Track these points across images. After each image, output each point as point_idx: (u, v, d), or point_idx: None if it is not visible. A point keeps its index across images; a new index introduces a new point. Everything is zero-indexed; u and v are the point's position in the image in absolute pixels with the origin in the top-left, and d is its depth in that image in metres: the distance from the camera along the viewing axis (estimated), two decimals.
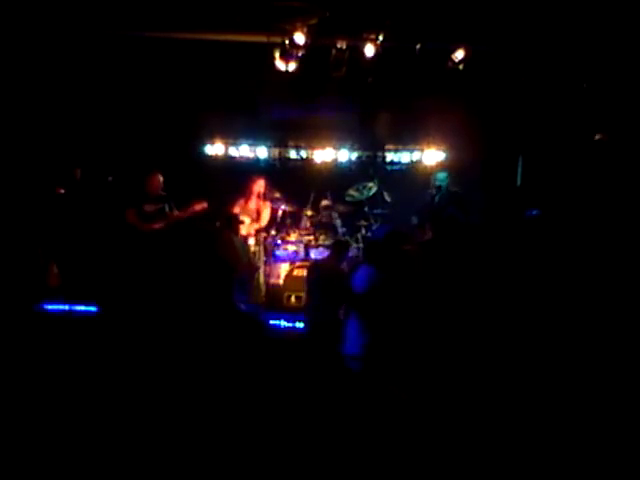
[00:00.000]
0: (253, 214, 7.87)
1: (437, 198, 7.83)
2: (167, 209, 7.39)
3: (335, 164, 9.13)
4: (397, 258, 5.12)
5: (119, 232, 7.42)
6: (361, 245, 8.17)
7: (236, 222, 6.83)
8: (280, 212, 8.23)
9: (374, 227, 8.49)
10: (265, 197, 7.93)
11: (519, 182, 8.63)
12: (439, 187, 7.83)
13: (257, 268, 6.99)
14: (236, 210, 7.71)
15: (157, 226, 7.31)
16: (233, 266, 6.17)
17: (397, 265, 5.01)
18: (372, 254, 5.37)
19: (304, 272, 6.84)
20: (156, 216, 7.35)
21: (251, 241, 7.81)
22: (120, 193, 7.85)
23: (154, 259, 7.13)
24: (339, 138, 9.08)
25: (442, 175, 8.00)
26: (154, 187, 7.43)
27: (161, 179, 7.49)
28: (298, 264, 7.68)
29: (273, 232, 8.07)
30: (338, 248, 6.26)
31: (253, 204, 7.87)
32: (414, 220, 7.82)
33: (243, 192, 7.96)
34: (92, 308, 6.98)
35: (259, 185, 7.90)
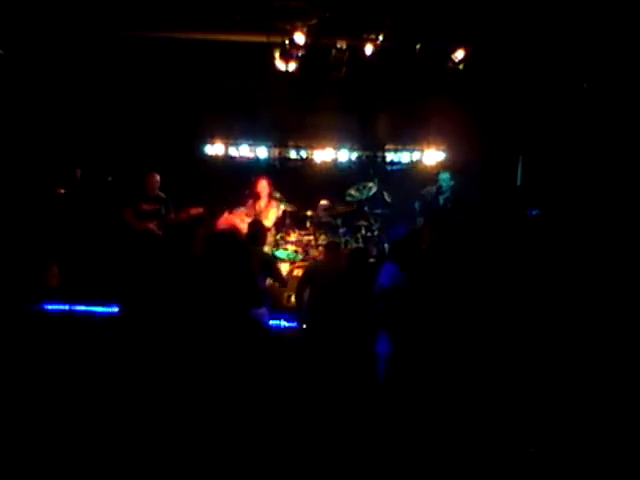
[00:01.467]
0: (260, 214, 7.85)
1: (441, 199, 7.83)
2: (164, 211, 7.47)
3: (335, 164, 9.14)
4: (418, 257, 5.16)
5: (119, 231, 7.44)
6: (361, 245, 8.16)
7: (262, 234, 6.53)
8: (281, 212, 8.23)
9: (374, 227, 8.49)
10: (270, 197, 7.92)
11: (519, 182, 8.64)
12: (440, 187, 7.83)
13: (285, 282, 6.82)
14: (246, 212, 7.67)
15: (151, 226, 7.37)
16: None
17: (419, 264, 5.03)
18: (396, 253, 5.42)
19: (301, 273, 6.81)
20: (152, 216, 7.42)
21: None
22: (119, 192, 7.88)
23: (159, 260, 7.15)
24: (339, 138, 9.08)
25: (445, 176, 8.00)
26: (152, 187, 7.52)
27: (158, 179, 7.55)
28: (298, 264, 7.67)
29: (274, 232, 8.07)
30: (333, 249, 6.26)
31: (262, 204, 7.84)
32: (420, 221, 7.82)
33: (250, 193, 7.90)
34: (93, 308, 6.98)
35: (264, 185, 7.86)
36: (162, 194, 7.55)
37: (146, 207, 7.42)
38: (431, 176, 8.69)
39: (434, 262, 5.23)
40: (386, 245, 8.02)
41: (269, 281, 6.95)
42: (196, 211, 7.35)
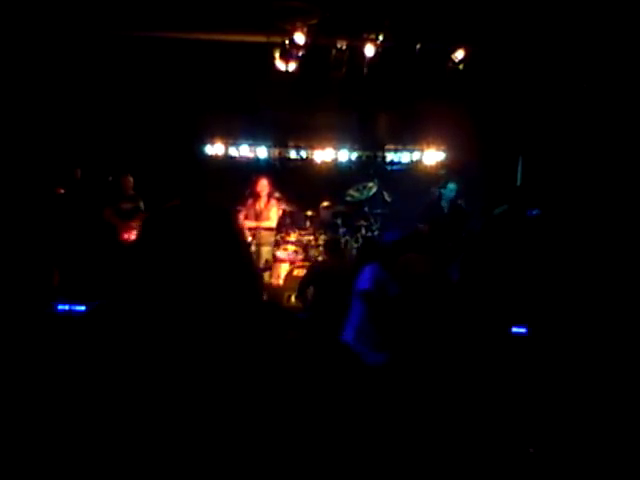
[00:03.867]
0: (261, 214, 7.86)
1: (445, 207, 7.74)
2: (142, 206, 7.68)
3: (335, 164, 9.14)
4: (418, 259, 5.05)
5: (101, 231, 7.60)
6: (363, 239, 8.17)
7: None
8: (281, 212, 8.24)
9: (374, 227, 8.48)
10: (270, 196, 7.92)
11: (519, 182, 8.64)
12: (441, 194, 7.72)
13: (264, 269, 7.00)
14: (244, 211, 7.70)
15: (134, 224, 7.52)
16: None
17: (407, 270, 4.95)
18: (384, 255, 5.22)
19: (304, 272, 6.81)
20: (132, 213, 7.62)
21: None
22: (97, 195, 8.03)
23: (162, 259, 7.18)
24: (339, 138, 9.08)
25: (452, 186, 7.91)
26: (127, 187, 7.76)
27: (132, 180, 7.86)
28: (298, 264, 7.67)
29: (274, 232, 8.06)
30: (334, 247, 6.25)
31: (262, 204, 7.84)
32: (421, 227, 7.78)
33: (249, 193, 7.91)
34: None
35: (264, 184, 7.88)
36: (133, 192, 7.82)
37: (125, 206, 7.66)
38: (431, 177, 8.69)
39: (436, 264, 5.19)
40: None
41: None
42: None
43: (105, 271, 7.03)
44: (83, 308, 6.98)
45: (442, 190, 7.77)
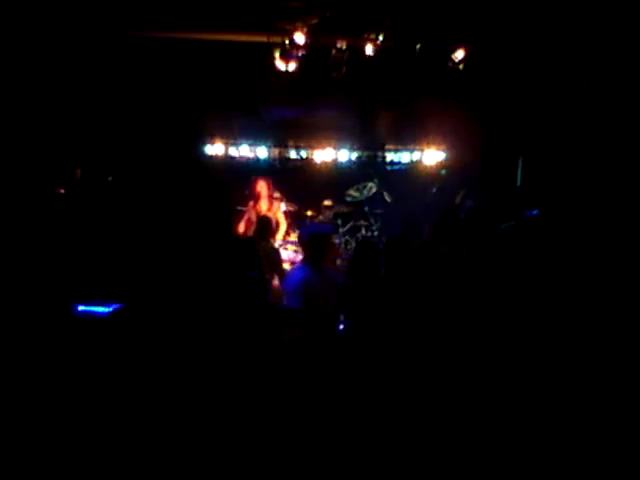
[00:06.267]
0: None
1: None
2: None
3: (335, 164, 9.15)
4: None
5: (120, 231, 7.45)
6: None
7: (268, 227, 6.74)
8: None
9: (374, 227, 8.49)
10: (271, 197, 7.89)
11: (519, 182, 8.64)
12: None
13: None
14: (245, 212, 7.69)
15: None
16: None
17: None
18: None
19: None
20: None
21: None
22: (119, 192, 7.90)
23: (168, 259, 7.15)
24: (339, 138, 9.09)
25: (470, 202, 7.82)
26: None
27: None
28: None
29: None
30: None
31: (263, 205, 7.81)
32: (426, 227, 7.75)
33: (249, 194, 7.89)
34: (93, 308, 6.95)
35: (262, 185, 7.85)
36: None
37: None
38: (431, 177, 8.71)
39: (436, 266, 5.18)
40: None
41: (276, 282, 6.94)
42: None
43: (119, 271, 7.01)
44: (84, 308, 6.98)
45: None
